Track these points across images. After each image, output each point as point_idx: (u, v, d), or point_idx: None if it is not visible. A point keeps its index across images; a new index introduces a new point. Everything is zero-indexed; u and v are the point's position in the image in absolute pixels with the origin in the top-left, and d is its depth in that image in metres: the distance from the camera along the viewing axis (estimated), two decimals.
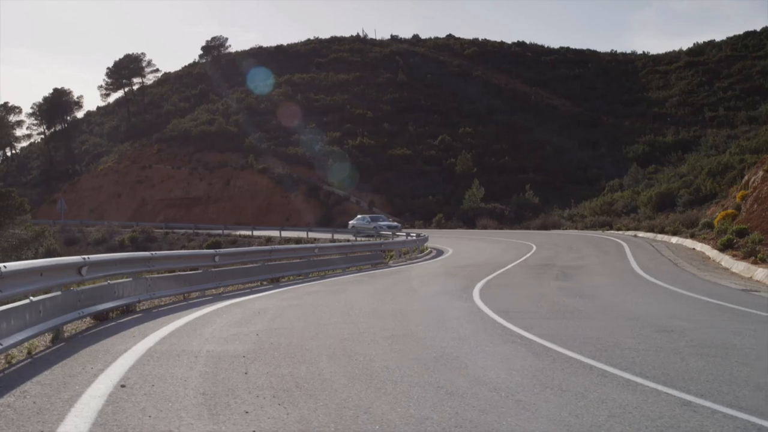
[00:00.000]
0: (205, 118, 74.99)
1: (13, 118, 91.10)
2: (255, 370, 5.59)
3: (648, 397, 4.69)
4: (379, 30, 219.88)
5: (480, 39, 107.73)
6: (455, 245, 29.43)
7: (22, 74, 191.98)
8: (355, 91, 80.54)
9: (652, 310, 9.41)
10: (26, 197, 41.93)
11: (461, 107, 77.89)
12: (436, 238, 32.99)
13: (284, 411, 4.40)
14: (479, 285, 13.10)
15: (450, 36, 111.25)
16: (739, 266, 15.53)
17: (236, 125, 71.57)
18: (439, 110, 76.47)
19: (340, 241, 29.79)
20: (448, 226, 48.62)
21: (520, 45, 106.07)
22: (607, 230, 35.74)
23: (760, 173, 22.64)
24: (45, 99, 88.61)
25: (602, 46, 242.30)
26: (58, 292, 7.26)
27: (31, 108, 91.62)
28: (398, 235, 29.64)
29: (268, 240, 38.05)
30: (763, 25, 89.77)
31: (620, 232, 33.66)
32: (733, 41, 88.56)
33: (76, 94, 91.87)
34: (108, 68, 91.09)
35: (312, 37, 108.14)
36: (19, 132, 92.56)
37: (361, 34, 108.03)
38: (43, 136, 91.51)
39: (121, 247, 39.45)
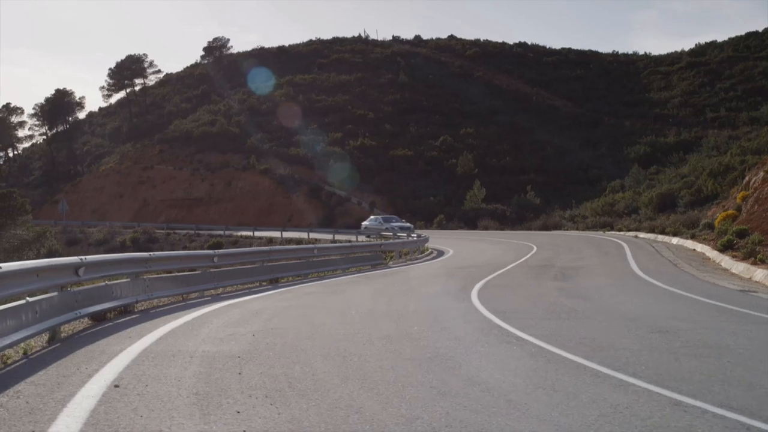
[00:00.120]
0: (207, 118, 75.10)
1: (15, 119, 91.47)
2: (249, 371, 5.61)
3: (639, 397, 4.69)
4: (381, 30, 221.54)
5: (482, 40, 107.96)
6: (456, 246, 29.44)
7: (22, 74, 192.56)
8: (357, 92, 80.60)
9: (650, 311, 9.41)
10: (28, 198, 42.11)
11: (463, 108, 77.91)
12: (437, 238, 33.01)
13: (276, 411, 4.41)
14: (478, 286, 13.10)
15: (452, 37, 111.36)
16: (739, 267, 15.52)
17: (238, 126, 71.67)
18: (441, 111, 76.49)
19: (340, 241, 29.81)
20: (450, 226, 48.63)
21: (522, 46, 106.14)
22: (608, 231, 35.72)
23: (761, 174, 22.61)
24: (47, 100, 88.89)
25: (604, 47, 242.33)
26: (55, 293, 7.28)
27: (33, 109, 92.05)
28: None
29: (270, 241, 38.10)
30: (765, 26, 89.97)
31: (621, 232, 33.64)
32: (734, 42, 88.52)
33: (77, 95, 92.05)
34: (110, 69, 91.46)
35: (314, 38, 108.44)
36: (21, 133, 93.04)
37: (362, 35, 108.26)
38: (45, 136, 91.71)
39: (123, 248, 39.47)
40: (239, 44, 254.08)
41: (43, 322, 6.75)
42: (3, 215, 30.67)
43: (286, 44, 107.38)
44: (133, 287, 9.69)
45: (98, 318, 8.72)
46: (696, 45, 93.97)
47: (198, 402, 4.64)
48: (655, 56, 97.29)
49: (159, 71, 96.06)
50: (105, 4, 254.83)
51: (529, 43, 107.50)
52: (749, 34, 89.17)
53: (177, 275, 12.07)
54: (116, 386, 5.05)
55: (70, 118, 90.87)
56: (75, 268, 7.73)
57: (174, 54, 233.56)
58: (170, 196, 65.33)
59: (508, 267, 18.13)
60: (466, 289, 12.42)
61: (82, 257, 8.00)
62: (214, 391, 4.94)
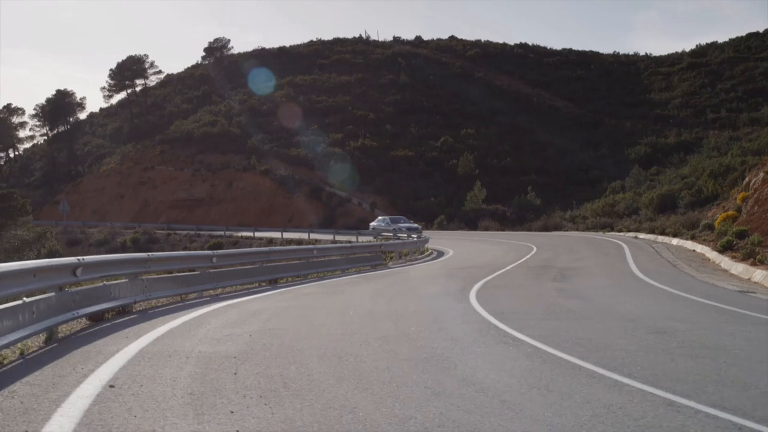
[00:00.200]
0: (208, 119, 75.15)
1: (16, 120, 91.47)
2: (244, 371, 5.62)
3: (633, 398, 4.70)
4: (381, 31, 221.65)
5: (482, 40, 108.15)
6: (456, 246, 29.43)
7: (22, 74, 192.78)
8: (357, 93, 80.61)
9: (648, 312, 9.41)
10: (29, 198, 42.06)
11: (463, 109, 77.92)
12: (437, 239, 33.01)
13: (269, 411, 4.42)
14: (477, 286, 13.10)
15: (452, 37, 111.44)
16: (738, 268, 15.51)
17: (239, 127, 71.70)
18: (442, 112, 76.50)
19: (340, 242, 29.82)
20: (450, 227, 48.61)
21: (523, 46, 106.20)
22: (608, 232, 35.70)
23: (761, 175, 22.59)
24: (48, 100, 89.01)
25: (604, 48, 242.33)
26: (53, 293, 7.29)
27: (34, 109, 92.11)
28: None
29: (270, 241, 38.12)
30: (765, 27, 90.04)
31: (621, 233, 33.61)
32: (735, 43, 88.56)
33: (77, 95, 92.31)
34: (110, 69, 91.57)
35: (314, 39, 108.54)
36: (22, 133, 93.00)
37: (363, 36, 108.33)
38: (45, 137, 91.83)
39: (123, 249, 39.49)
40: (240, 45, 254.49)
41: (40, 322, 6.76)
42: (4, 216, 30.71)
43: (287, 45, 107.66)
44: (132, 288, 9.70)
45: (96, 318, 8.73)
46: (697, 46, 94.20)
47: (192, 402, 4.65)
48: (655, 57, 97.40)
49: (160, 72, 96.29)
50: (105, 4, 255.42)
51: (530, 43, 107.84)
52: (750, 35, 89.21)
53: (176, 276, 12.08)
54: (111, 386, 5.06)
55: (71, 119, 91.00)
56: (73, 268, 7.74)
57: (175, 54, 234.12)
58: (171, 197, 65.37)
59: (508, 268, 18.13)
60: (466, 290, 12.42)
61: (80, 258, 8.01)
62: (208, 391, 4.95)
